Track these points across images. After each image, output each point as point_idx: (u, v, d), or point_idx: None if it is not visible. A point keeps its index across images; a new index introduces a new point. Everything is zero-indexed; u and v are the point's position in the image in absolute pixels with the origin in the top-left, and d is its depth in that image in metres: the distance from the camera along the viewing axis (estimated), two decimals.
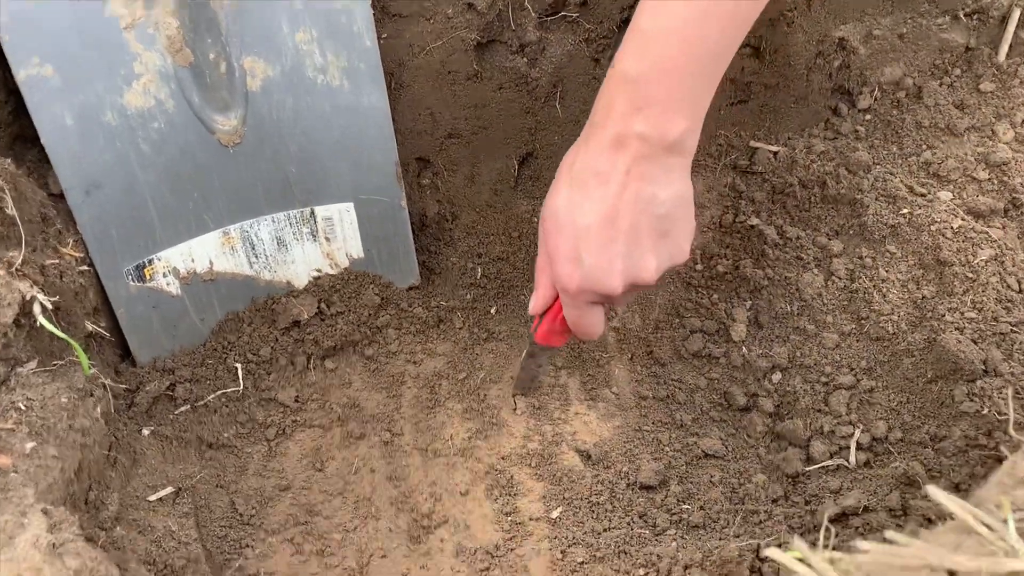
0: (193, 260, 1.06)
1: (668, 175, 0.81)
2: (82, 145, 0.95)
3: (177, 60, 0.96)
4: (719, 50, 0.81)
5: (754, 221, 1.20)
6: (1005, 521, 0.53)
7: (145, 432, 1.02)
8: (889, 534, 0.54)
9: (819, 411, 1.09)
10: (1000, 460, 0.96)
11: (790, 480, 1.05)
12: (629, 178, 0.80)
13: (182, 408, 1.06)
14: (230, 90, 1.00)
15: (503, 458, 1.07)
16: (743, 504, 1.03)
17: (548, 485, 1.05)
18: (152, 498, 0.96)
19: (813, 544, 0.97)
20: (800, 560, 0.53)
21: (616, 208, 0.80)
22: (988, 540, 0.52)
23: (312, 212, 1.09)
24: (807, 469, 1.05)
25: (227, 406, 1.08)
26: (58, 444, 0.85)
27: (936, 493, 0.55)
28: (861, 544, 0.51)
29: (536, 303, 0.94)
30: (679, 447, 1.10)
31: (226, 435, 1.06)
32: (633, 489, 1.06)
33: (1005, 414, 0.98)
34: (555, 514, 1.02)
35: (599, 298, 0.86)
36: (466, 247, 1.26)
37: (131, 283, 1.03)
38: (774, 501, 1.03)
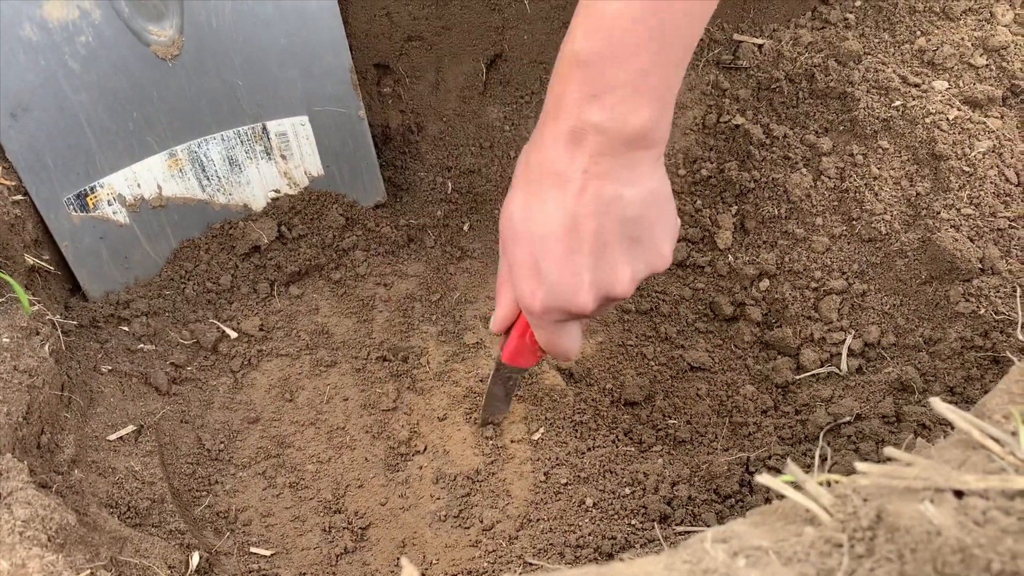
0: (139, 185, 0.99)
1: (632, 172, 0.69)
2: (2, 64, 0.87)
3: None
4: (686, 25, 0.66)
5: (739, 120, 1.13)
6: (1014, 434, 0.48)
7: (104, 370, 0.97)
8: (889, 451, 0.49)
9: (809, 318, 1.04)
10: (997, 361, 0.92)
11: (780, 390, 1.02)
12: (588, 177, 0.68)
13: (140, 343, 1.00)
14: None
15: (482, 381, 1.02)
16: (731, 417, 1.00)
17: (529, 406, 1.00)
18: (112, 437, 0.92)
19: (805, 455, 0.94)
20: (794, 485, 0.48)
21: (576, 214, 0.69)
22: (996, 455, 0.47)
23: (264, 128, 1.01)
24: (797, 378, 1.01)
25: (189, 338, 1.02)
26: (2, 387, 0.80)
27: (939, 406, 0.50)
28: (859, 465, 0.47)
29: (498, 321, 0.83)
30: (664, 361, 1.05)
31: (188, 368, 1.01)
32: (617, 406, 1.02)
33: (1002, 314, 0.94)
34: (537, 435, 0.98)
35: (569, 316, 0.75)
36: (434, 160, 1.19)
37: (73, 212, 0.96)
38: (763, 412, 1.00)
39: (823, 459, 0.89)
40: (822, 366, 1.01)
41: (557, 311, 0.74)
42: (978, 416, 0.54)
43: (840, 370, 1.00)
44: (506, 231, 0.74)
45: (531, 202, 0.71)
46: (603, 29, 0.65)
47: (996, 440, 0.48)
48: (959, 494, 0.45)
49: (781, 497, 0.50)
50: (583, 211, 0.69)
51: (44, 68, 0.89)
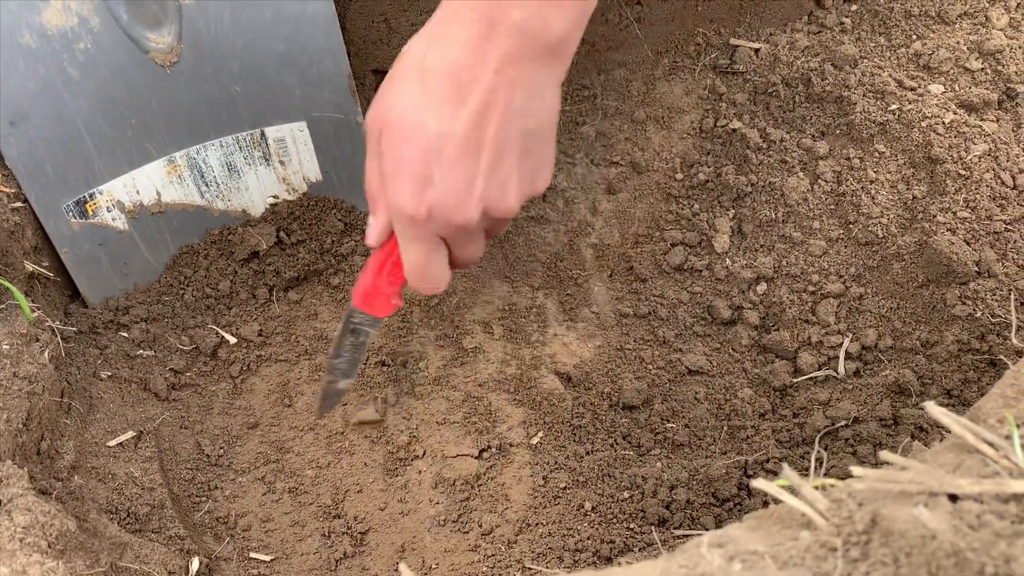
0: (138, 192, 0.99)
1: (543, 83, 0.66)
2: (1, 71, 0.87)
3: None
4: None
5: (736, 124, 1.13)
6: (1009, 438, 0.48)
7: (103, 376, 0.97)
8: (884, 454, 0.50)
9: (806, 321, 1.05)
10: (994, 364, 0.92)
11: (777, 393, 1.02)
12: (500, 79, 0.64)
13: (140, 349, 1.00)
14: (160, 4, 0.91)
15: (480, 385, 1.03)
16: (729, 420, 1.00)
17: (528, 410, 1.01)
18: (112, 443, 0.92)
19: (803, 458, 0.94)
20: (789, 489, 0.49)
21: (482, 115, 0.64)
22: (991, 459, 0.48)
23: (262, 134, 1.02)
24: (795, 381, 1.02)
25: (188, 344, 1.02)
26: (1, 394, 0.80)
27: (933, 410, 0.50)
28: (854, 470, 0.47)
29: (374, 231, 0.75)
30: (662, 364, 1.06)
31: (188, 374, 1.01)
32: (616, 410, 1.02)
33: (999, 316, 0.94)
34: (536, 439, 0.98)
35: (450, 230, 0.69)
36: None
37: (73, 219, 0.96)
38: (761, 416, 1.00)
39: (820, 463, 0.90)
40: (819, 369, 1.01)
41: (441, 221, 0.69)
42: (973, 420, 0.55)
43: (837, 373, 1.00)
44: (391, 128, 0.67)
45: (430, 97, 0.65)
46: None
47: (990, 444, 0.49)
48: (954, 498, 0.45)
49: (778, 501, 0.50)
50: (488, 114, 0.65)
51: (43, 75, 0.89)
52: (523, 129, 0.67)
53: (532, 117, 0.67)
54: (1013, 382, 0.56)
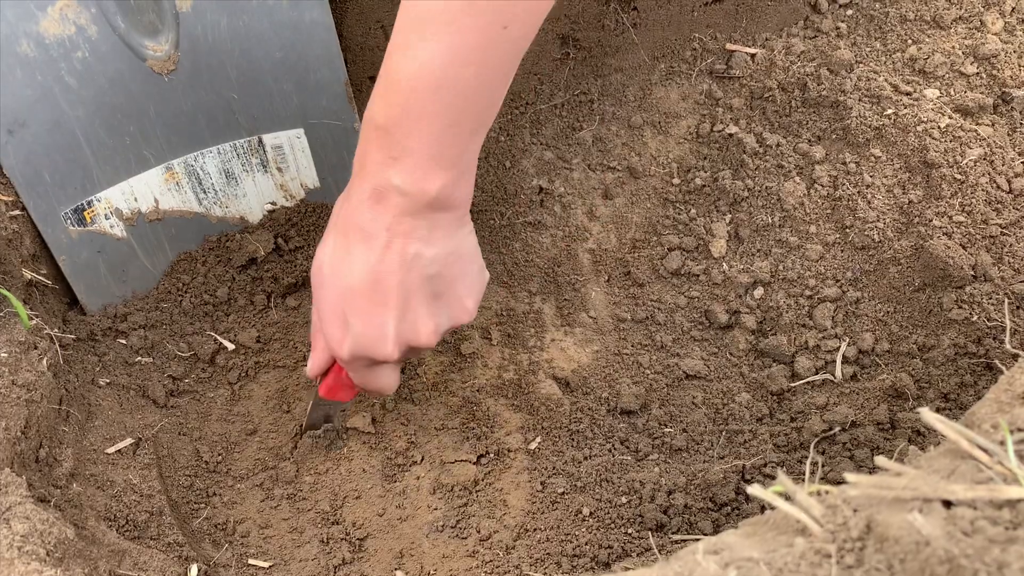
0: (136, 199, 1.00)
1: (433, 232, 0.74)
2: None
3: None
4: (477, 95, 0.69)
5: (732, 129, 1.13)
6: (1003, 444, 0.49)
7: (102, 383, 0.97)
8: (880, 460, 0.50)
9: (803, 325, 1.05)
10: (990, 368, 0.93)
11: (775, 398, 1.02)
12: (392, 235, 0.72)
13: (138, 356, 1.01)
14: (158, 12, 0.92)
15: (478, 390, 1.03)
16: (727, 424, 1.00)
17: (525, 415, 1.01)
18: (110, 451, 0.92)
19: (800, 462, 0.94)
20: (784, 496, 0.49)
21: (380, 270, 0.73)
22: (985, 465, 0.48)
23: (260, 141, 1.02)
24: (792, 385, 1.02)
25: (186, 351, 1.03)
26: (0, 402, 0.80)
27: (928, 416, 0.50)
28: (849, 476, 0.47)
29: (313, 365, 0.87)
30: (660, 369, 1.06)
31: (186, 381, 1.01)
32: (613, 415, 1.02)
33: (995, 320, 0.95)
34: (533, 445, 0.98)
35: (375, 363, 0.80)
36: None
37: (71, 227, 0.97)
38: (759, 420, 1.00)
39: (817, 468, 0.90)
40: (817, 373, 1.01)
41: (363, 359, 0.79)
42: (967, 425, 0.55)
43: (835, 377, 1.00)
44: (316, 278, 0.78)
45: (339, 254, 0.75)
46: (399, 96, 0.68)
47: (984, 450, 0.49)
48: (948, 504, 0.45)
49: (773, 507, 0.50)
50: (386, 267, 0.73)
51: (41, 84, 0.89)
52: (423, 275, 0.75)
53: (430, 264, 0.75)
54: (1007, 387, 0.57)
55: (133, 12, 0.91)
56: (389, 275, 0.74)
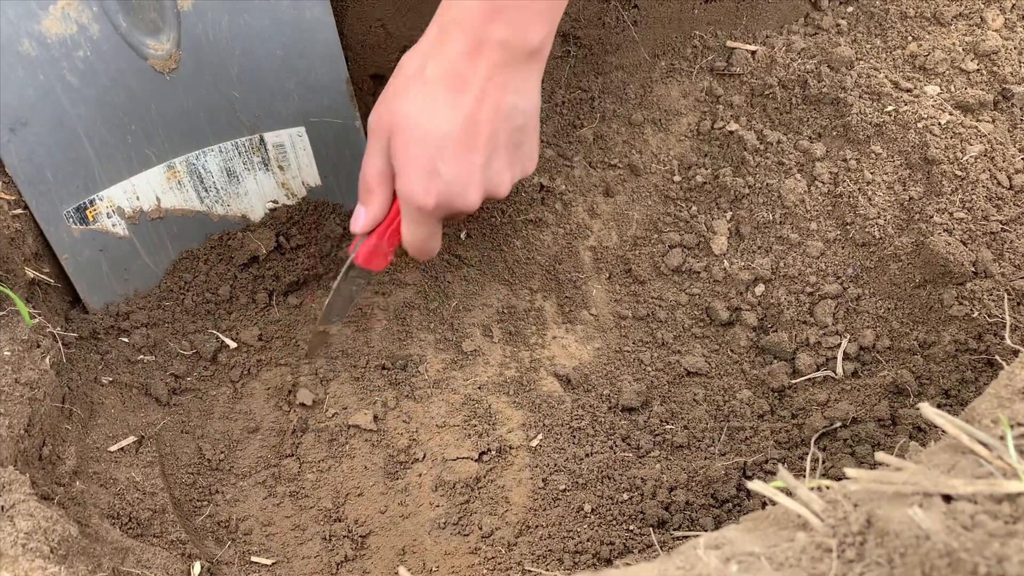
0: (138, 198, 1.00)
1: (527, 84, 0.78)
2: (1, 79, 0.87)
3: None
4: None
5: (733, 127, 1.14)
6: (1003, 438, 0.49)
7: (104, 381, 0.98)
8: (880, 456, 0.50)
9: (804, 322, 1.05)
10: (991, 364, 0.93)
11: (776, 394, 1.02)
12: (490, 86, 0.76)
13: (140, 354, 1.01)
14: (159, 10, 0.92)
15: (480, 388, 1.03)
16: (728, 421, 1.00)
17: (527, 413, 1.01)
18: (113, 448, 0.92)
19: (801, 459, 0.94)
20: (785, 491, 0.49)
21: (477, 117, 0.76)
22: (985, 459, 0.48)
23: (262, 139, 1.02)
24: (793, 382, 1.02)
25: (188, 349, 1.03)
26: (3, 401, 0.80)
27: (928, 411, 0.51)
28: (849, 471, 0.47)
29: (366, 220, 0.86)
30: (661, 366, 1.06)
31: (188, 379, 1.02)
32: (615, 412, 1.02)
33: (995, 316, 0.95)
34: (535, 442, 0.99)
35: (453, 213, 0.82)
36: None
37: (73, 226, 0.97)
38: (760, 417, 1.00)
39: (818, 463, 0.90)
40: (818, 370, 1.02)
41: (446, 207, 0.81)
42: (968, 420, 0.55)
43: (836, 374, 1.01)
44: (400, 132, 0.78)
45: (428, 103, 0.77)
46: None
47: (984, 445, 0.49)
48: (948, 498, 0.46)
49: (775, 503, 0.50)
50: (483, 116, 0.76)
51: (43, 83, 0.89)
52: (513, 126, 0.79)
53: (521, 114, 0.79)
54: (1007, 383, 0.57)
55: (135, 11, 0.91)
56: (484, 124, 0.76)
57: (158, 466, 0.93)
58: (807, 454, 0.93)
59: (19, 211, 0.92)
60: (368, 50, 1.11)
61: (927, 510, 0.44)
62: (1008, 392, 0.55)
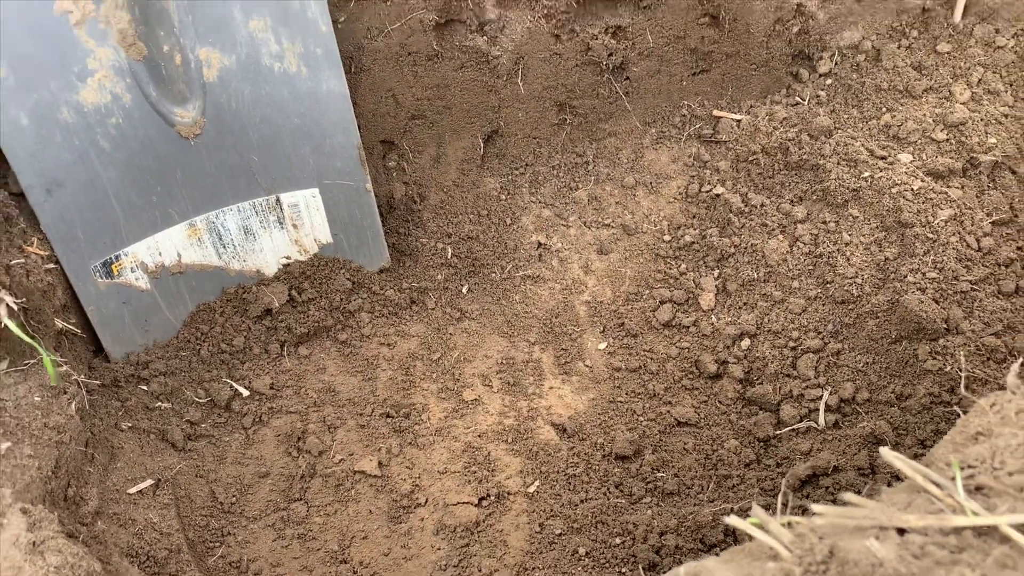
0: (161, 254, 1.06)
1: None
2: (40, 144, 0.94)
3: (131, 54, 0.95)
4: None
5: (719, 190, 1.21)
6: (953, 479, 0.54)
7: (124, 427, 1.03)
8: (846, 496, 0.56)
9: (788, 375, 1.11)
10: (963, 415, 0.98)
11: (762, 444, 1.07)
12: None
13: (158, 401, 1.06)
14: (187, 82, 0.99)
15: (480, 436, 1.08)
16: (716, 470, 1.05)
17: (525, 460, 1.06)
18: (132, 491, 0.97)
19: (785, 506, 0.99)
20: (758, 526, 0.54)
21: None
22: (937, 498, 0.54)
23: (278, 199, 1.09)
24: (778, 432, 1.07)
25: (203, 397, 1.08)
26: (34, 443, 0.85)
27: (887, 454, 0.56)
28: (815, 507, 0.53)
29: None
30: (653, 416, 1.11)
31: (203, 425, 1.07)
32: (608, 460, 1.07)
33: (967, 371, 1.00)
34: (532, 488, 1.03)
35: None
36: (435, 227, 1.27)
37: (99, 280, 1.03)
38: (747, 465, 1.05)
39: (788, 501, 0.94)
40: (801, 421, 1.07)
41: None
42: (927, 464, 0.61)
43: (818, 424, 1.06)
44: None
45: None
46: None
47: (937, 484, 0.55)
48: (902, 531, 0.51)
49: (752, 537, 0.56)
50: None
51: (78, 147, 0.96)
52: None
53: None
54: (962, 429, 0.63)
55: (164, 82, 0.99)
56: None
57: (174, 508, 0.98)
58: (790, 502, 0.98)
59: (51, 265, 0.99)
60: (379, 118, 1.18)
61: (883, 541, 0.49)
62: (962, 438, 0.61)
